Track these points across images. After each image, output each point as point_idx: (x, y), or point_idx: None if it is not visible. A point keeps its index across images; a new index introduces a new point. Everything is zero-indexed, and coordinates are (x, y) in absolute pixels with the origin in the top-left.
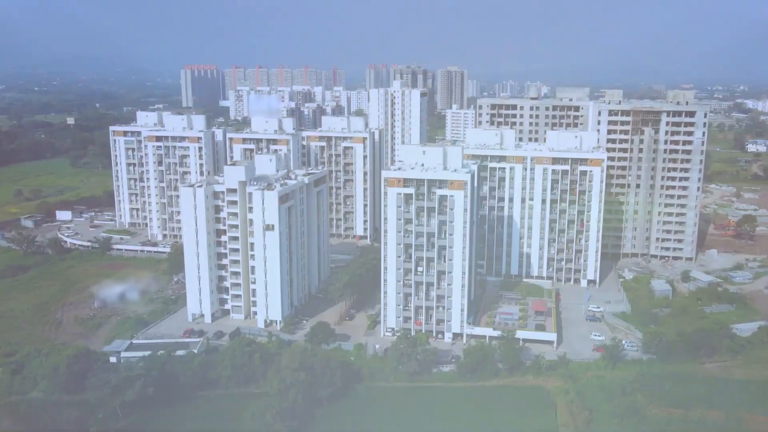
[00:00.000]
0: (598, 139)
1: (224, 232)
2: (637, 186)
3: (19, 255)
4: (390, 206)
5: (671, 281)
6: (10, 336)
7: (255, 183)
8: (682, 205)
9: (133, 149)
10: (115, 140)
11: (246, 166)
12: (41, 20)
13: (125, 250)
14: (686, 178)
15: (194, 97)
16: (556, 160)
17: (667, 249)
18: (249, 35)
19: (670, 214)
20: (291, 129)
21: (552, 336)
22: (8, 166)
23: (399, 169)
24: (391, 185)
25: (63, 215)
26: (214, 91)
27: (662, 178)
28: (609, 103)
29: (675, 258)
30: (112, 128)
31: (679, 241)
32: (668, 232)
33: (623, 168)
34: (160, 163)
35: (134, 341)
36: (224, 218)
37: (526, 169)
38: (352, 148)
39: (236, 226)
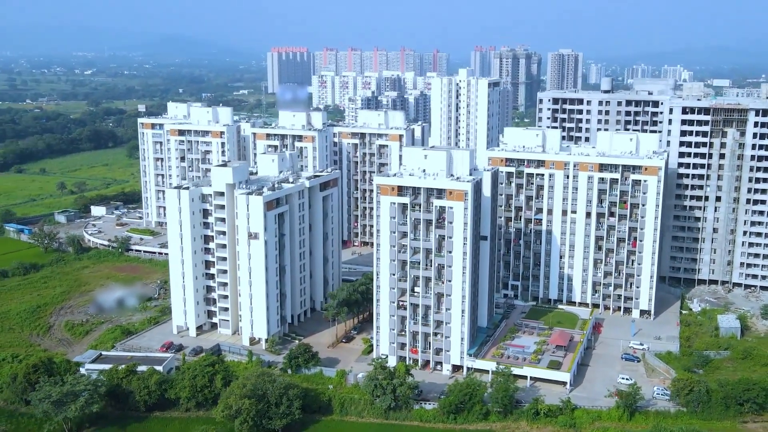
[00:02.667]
0: (668, 142)
1: (212, 238)
2: (718, 199)
3: (39, 252)
4: (383, 217)
5: (746, 317)
6: None
7: (246, 186)
8: None
9: (161, 143)
10: (143, 133)
11: (235, 167)
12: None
13: (143, 251)
14: None
15: (280, 81)
16: (603, 167)
17: (755, 277)
18: (351, 13)
19: (758, 235)
20: (320, 124)
21: (564, 376)
22: (67, 155)
23: (395, 174)
24: (384, 193)
25: (97, 211)
26: (303, 75)
27: (749, 190)
28: (687, 98)
29: (764, 288)
30: (140, 120)
31: None
32: (756, 256)
33: (700, 177)
34: (182, 159)
35: (104, 353)
36: (212, 224)
37: (567, 177)
38: (387, 146)
39: (224, 233)
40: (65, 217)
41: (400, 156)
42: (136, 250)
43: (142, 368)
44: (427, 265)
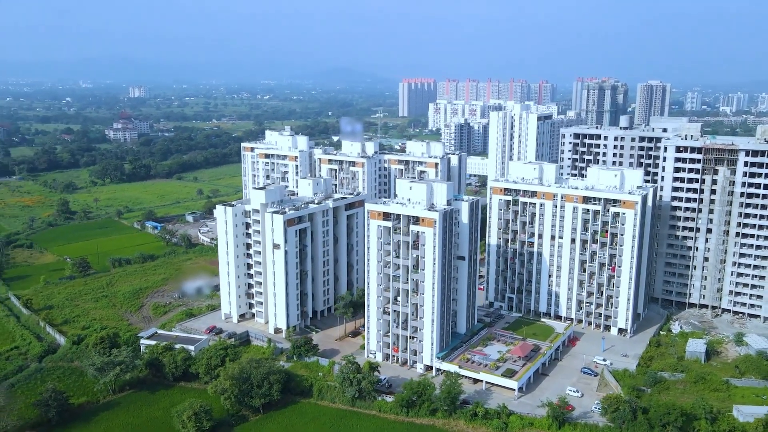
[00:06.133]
0: (663, 177)
1: (251, 245)
2: (709, 231)
3: (161, 245)
4: (372, 237)
5: (721, 342)
6: (100, 313)
7: (279, 205)
8: (763, 257)
9: (255, 163)
10: (244, 155)
11: (269, 190)
12: (309, 38)
13: None
14: None
15: (409, 107)
16: (587, 199)
17: (743, 304)
18: (480, 47)
19: (747, 266)
20: (372, 152)
21: (514, 383)
22: (218, 166)
23: (384, 202)
24: (373, 218)
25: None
26: (428, 102)
27: (739, 224)
28: (686, 138)
29: (752, 316)
30: (242, 144)
31: (758, 297)
32: (745, 285)
33: (692, 210)
34: (268, 177)
35: (159, 331)
36: (252, 234)
37: (556, 207)
38: (426, 172)
39: (259, 242)
40: (192, 217)
41: None
42: None
43: (183, 346)
44: (406, 279)
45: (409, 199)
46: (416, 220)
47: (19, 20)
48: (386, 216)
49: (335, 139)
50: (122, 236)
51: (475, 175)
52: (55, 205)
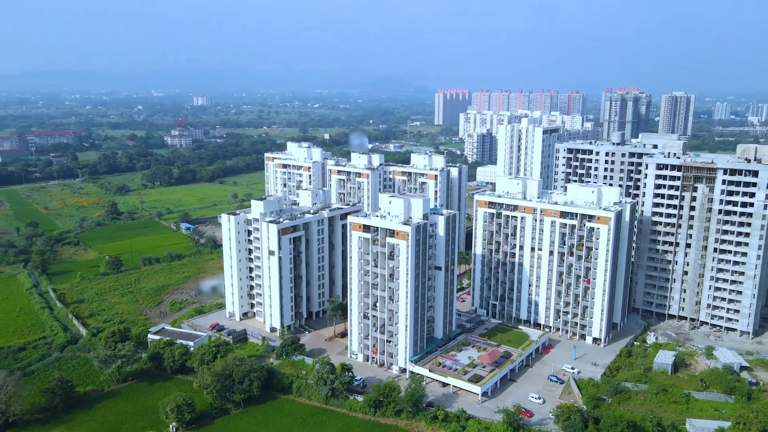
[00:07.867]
0: (644, 192)
1: (252, 251)
2: (688, 245)
3: (191, 246)
4: (353, 248)
5: (692, 354)
6: (123, 308)
7: (278, 214)
8: (740, 273)
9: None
10: (267, 164)
11: (267, 201)
12: (362, 50)
13: None
14: (745, 244)
15: (444, 116)
16: (564, 214)
17: (720, 318)
18: (515, 59)
19: (725, 281)
20: (377, 164)
21: (477, 388)
22: (257, 171)
23: (366, 215)
24: (355, 229)
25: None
26: (461, 111)
27: (716, 240)
28: (668, 155)
29: (729, 329)
30: (266, 154)
31: (735, 311)
32: (722, 299)
33: (672, 225)
34: (285, 185)
35: (165, 327)
36: (253, 240)
37: (536, 220)
38: (426, 183)
39: (259, 248)
40: None
41: (435, 192)
42: None
43: (182, 341)
44: (384, 288)
45: (389, 213)
46: (392, 233)
47: (105, 36)
48: (366, 228)
49: (369, 146)
50: (158, 236)
51: (491, 183)
52: (106, 206)
